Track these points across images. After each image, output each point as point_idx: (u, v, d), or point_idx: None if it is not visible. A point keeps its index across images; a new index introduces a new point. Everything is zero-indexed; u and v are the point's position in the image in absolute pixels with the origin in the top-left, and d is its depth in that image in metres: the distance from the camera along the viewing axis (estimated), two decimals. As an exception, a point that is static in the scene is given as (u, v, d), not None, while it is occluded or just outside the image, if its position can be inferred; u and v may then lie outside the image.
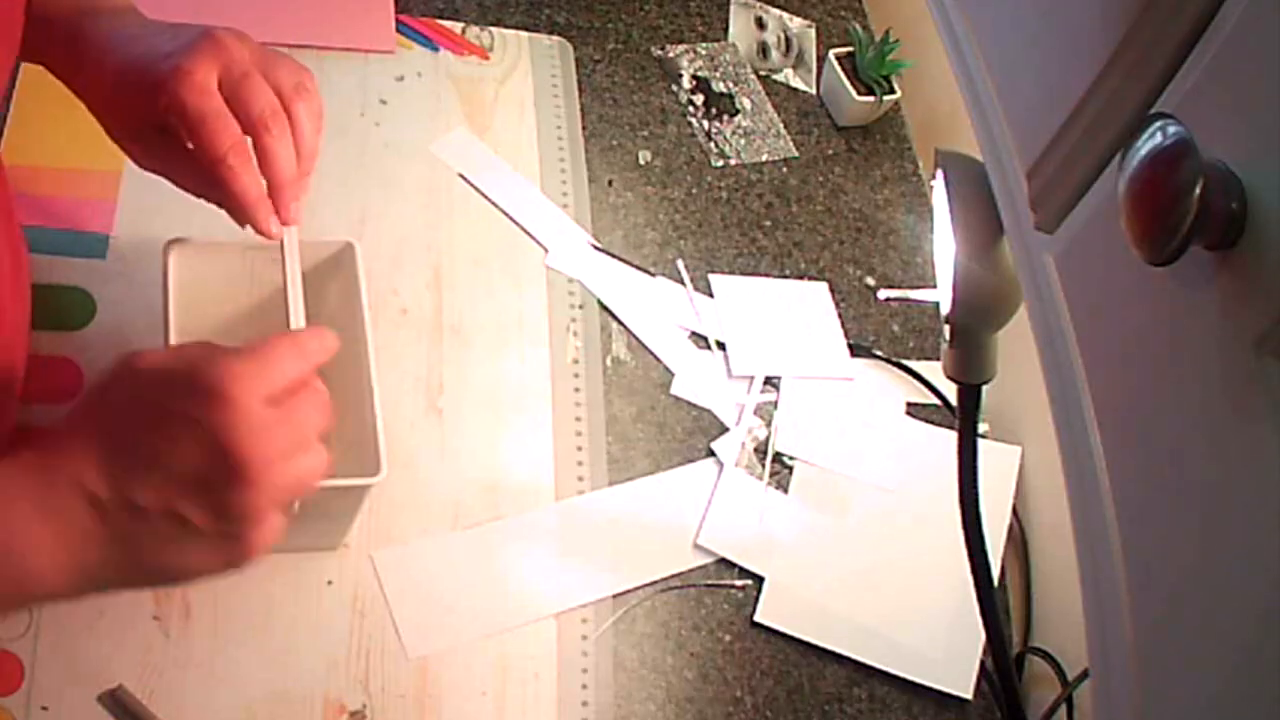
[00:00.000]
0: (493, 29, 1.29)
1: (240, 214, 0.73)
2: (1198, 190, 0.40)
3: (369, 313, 0.87)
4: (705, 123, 1.24)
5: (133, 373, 0.60)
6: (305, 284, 0.76)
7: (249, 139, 0.71)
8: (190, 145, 0.71)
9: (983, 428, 1.17)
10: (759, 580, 1.03)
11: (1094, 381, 0.52)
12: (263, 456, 0.57)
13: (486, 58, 1.27)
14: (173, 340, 0.81)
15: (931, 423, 1.16)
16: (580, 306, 1.13)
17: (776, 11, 1.43)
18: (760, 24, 1.41)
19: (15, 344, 0.83)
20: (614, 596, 1.00)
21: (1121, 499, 0.50)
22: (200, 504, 0.57)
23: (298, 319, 0.75)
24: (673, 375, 1.13)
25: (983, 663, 1.02)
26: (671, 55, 1.21)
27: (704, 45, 1.28)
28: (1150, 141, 0.42)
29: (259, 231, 0.73)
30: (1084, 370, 0.52)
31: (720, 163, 1.27)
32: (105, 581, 0.58)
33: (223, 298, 0.90)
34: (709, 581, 1.03)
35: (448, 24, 1.28)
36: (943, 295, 0.72)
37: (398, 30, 1.25)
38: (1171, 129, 0.42)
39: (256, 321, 0.89)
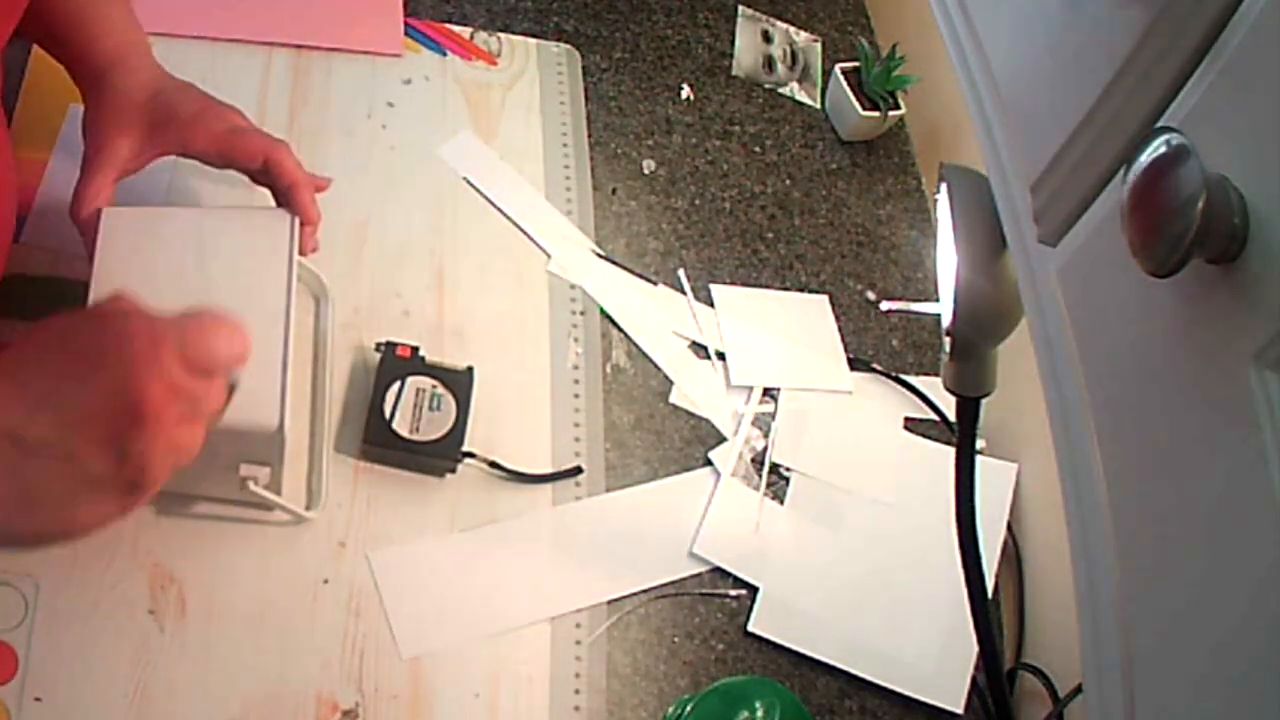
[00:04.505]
0: (501, 35, 1.29)
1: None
2: (1201, 204, 0.40)
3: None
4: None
5: (65, 319, 0.61)
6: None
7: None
8: (274, 189, 0.95)
9: (980, 444, 1.17)
10: (753, 590, 1.03)
11: (1094, 393, 0.52)
12: (166, 412, 0.58)
13: (494, 63, 1.27)
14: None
15: (929, 438, 1.16)
16: (581, 312, 1.14)
17: (783, 25, 1.43)
18: (766, 37, 1.42)
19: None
20: (608, 602, 1.00)
21: (1119, 512, 0.50)
22: (98, 447, 0.57)
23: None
24: (672, 384, 1.13)
25: (974, 678, 1.02)
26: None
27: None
28: (1154, 155, 0.43)
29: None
30: (1084, 382, 0.53)
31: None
32: None
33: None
34: (703, 590, 1.03)
35: (456, 28, 1.28)
36: (944, 308, 0.73)
37: (406, 34, 1.26)
38: (1176, 143, 0.42)
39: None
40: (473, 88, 1.25)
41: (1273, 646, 0.40)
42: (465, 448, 1.00)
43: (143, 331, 0.59)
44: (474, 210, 1.17)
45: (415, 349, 1.02)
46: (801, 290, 1.23)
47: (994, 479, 1.14)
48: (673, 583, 1.02)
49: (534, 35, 1.31)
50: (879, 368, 1.19)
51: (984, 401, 0.75)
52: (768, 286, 1.22)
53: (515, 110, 1.24)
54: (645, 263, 1.20)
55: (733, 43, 1.40)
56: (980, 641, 0.83)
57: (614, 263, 1.18)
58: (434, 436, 0.99)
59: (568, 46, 1.32)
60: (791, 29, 1.44)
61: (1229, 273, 0.42)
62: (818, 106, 1.38)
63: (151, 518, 0.92)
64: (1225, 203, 0.41)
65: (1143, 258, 0.43)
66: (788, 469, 1.11)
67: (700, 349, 1.16)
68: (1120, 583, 0.49)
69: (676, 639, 1.00)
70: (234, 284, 0.89)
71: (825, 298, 1.23)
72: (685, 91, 1.34)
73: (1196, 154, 0.41)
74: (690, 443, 1.10)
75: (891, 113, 1.32)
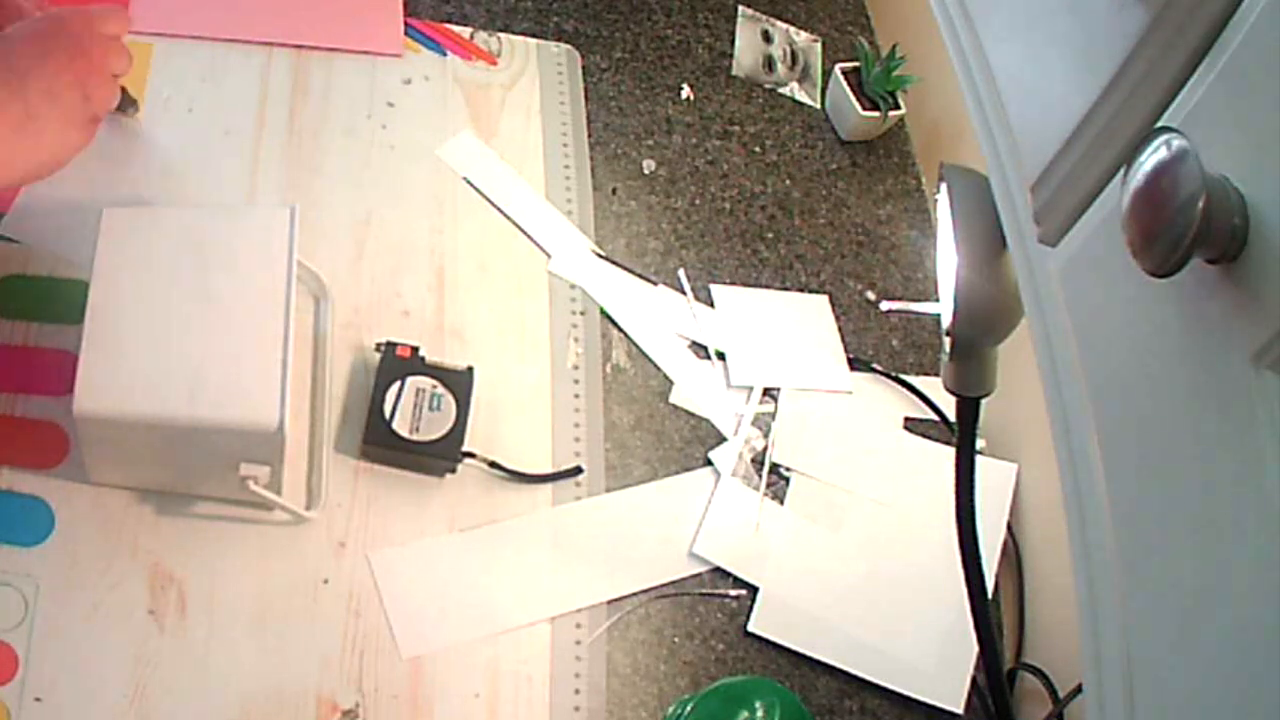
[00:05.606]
0: (501, 35, 1.29)
1: None
2: (1201, 204, 0.40)
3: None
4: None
5: (22, 24, 0.86)
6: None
7: None
8: None
9: (980, 444, 1.17)
10: (753, 590, 1.03)
11: (1094, 393, 0.52)
12: (105, 66, 0.87)
13: (494, 63, 1.27)
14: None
15: (929, 438, 1.16)
16: (582, 313, 1.14)
17: (783, 25, 1.43)
18: (766, 37, 1.42)
19: None
20: (608, 602, 1.00)
21: (1119, 512, 0.50)
22: (73, 90, 0.84)
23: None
24: (672, 384, 1.13)
25: (974, 678, 1.02)
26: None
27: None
28: (1155, 155, 0.43)
29: None
30: (1084, 382, 0.53)
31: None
32: (9, 165, 0.83)
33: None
34: (703, 590, 1.03)
35: (456, 28, 1.28)
36: (944, 308, 0.73)
37: (406, 34, 1.26)
38: (1176, 143, 0.42)
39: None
40: (473, 88, 1.25)
41: (1272, 646, 0.40)
42: (465, 448, 1.00)
43: (79, 16, 0.88)
44: (474, 210, 1.17)
45: (415, 349, 1.02)
46: (801, 290, 1.23)
47: (994, 479, 1.14)
48: (673, 583, 1.02)
49: (534, 35, 1.31)
50: (879, 368, 1.19)
51: (984, 401, 0.75)
52: (768, 286, 1.22)
53: (515, 110, 1.24)
54: (645, 263, 1.20)
55: (733, 43, 1.40)
56: (980, 641, 0.83)
57: (614, 263, 1.18)
58: (434, 436, 0.99)
59: (568, 46, 1.32)
60: (791, 29, 1.44)
61: (1229, 273, 0.42)
62: (818, 106, 1.38)
63: (151, 518, 0.92)
64: (1225, 203, 0.41)
65: (1143, 258, 0.43)
66: (788, 469, 1.11)
67: (700, 349, 1.16)
68: (1120, 583, 0.49)
69: (676, 639, 1.00)
70: (234, 284, 0.89)
71: (825, 298, 1.23)
72: (685, 91, 1.34)
73: (1196, 154, 0.41)
74: (690, 443, 1.10)
75: (891, 113, 1.32)
